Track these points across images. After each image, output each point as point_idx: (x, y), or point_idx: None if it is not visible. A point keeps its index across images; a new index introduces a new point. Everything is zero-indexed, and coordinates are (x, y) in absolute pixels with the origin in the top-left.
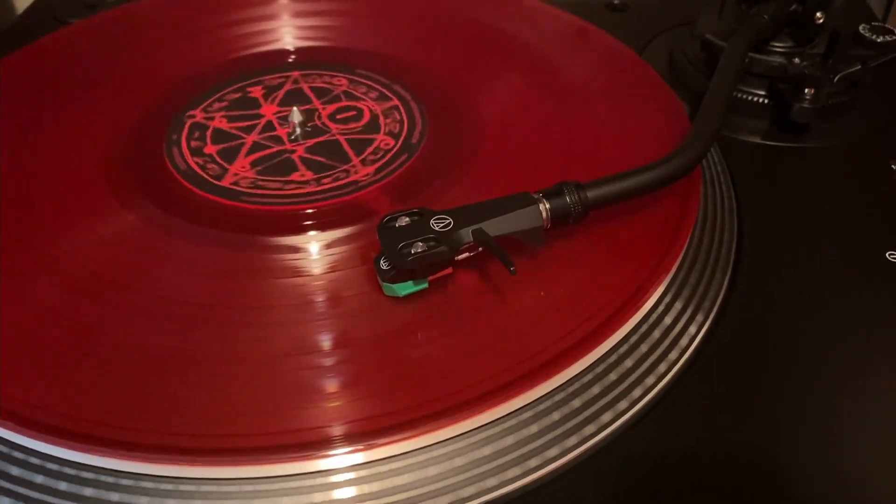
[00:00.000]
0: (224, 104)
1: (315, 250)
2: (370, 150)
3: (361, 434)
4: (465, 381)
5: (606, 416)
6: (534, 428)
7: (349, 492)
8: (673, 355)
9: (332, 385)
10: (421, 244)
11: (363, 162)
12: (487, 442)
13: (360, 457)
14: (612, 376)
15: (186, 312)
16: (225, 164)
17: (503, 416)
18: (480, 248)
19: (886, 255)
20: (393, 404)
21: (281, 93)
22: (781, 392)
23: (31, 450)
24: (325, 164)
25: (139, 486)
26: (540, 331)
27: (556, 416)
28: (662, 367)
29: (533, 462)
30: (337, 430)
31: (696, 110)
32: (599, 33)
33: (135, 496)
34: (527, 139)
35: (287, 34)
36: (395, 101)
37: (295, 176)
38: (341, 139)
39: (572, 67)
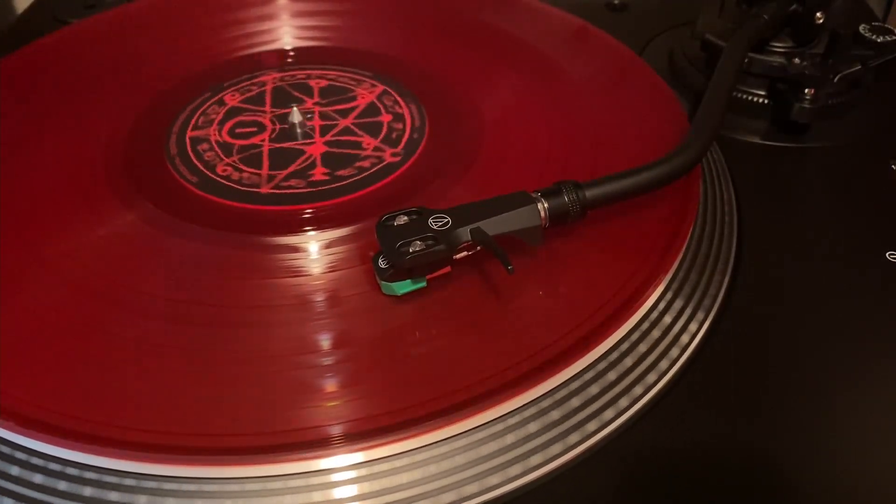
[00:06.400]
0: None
1: (314, 250)
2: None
3: (361, 433)
4: (465, 380)
5: (609, 413)
6: (542, 422)
7: (350, 490)
8: (674, 352)
9: (331, 384)
10: (419, 243)
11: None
12: (490, 440)
13: (360, 456)
14: (613, 375)
15: (187, 312)
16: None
17: (504, 415)
18: (479, 247)
19: (886, 255)
20: (393, 403)
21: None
22: (781, 390)
23: (32, 450)
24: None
25: (140, 485)
26: (540, 330)
27: (558, 413)
28: (664, 364)
29: (535, 459)
30: (337, 430)
31: (696, 110)
32: (599, 33)
33: (135, 496)
34: (526, 139)
35: (287, 34)
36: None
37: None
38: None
39: (572, 67)
